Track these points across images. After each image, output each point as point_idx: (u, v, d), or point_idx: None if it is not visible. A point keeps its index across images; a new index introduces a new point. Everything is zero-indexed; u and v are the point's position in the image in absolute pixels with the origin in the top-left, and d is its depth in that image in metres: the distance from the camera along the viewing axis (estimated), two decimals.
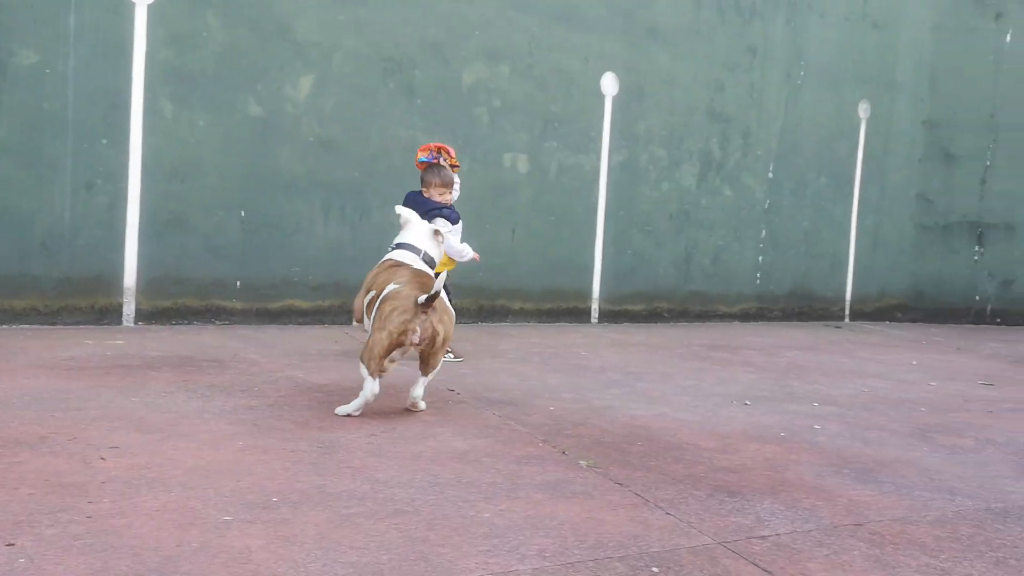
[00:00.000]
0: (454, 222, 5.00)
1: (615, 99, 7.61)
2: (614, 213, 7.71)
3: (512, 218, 7.21)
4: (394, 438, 3.48)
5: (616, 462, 3.34)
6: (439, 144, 5.25)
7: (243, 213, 6.22)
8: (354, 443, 3.37)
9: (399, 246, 4.25)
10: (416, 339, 3.71)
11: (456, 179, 5.22)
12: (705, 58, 8.05)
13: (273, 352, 5.22)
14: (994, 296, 9.49)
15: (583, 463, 3.30)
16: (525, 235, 7.30)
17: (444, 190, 5.05)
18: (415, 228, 4.31)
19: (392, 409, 3.97)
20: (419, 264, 4.12)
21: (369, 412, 3.87)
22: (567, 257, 7.53)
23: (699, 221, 8.21)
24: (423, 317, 3.70)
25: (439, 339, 3.79)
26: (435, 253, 4.28)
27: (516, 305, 7.33)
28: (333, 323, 6.55)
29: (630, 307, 7.90)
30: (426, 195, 5.07)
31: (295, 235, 6.41)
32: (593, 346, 6.33)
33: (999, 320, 9.48)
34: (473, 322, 7.11)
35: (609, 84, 7.57)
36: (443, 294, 3.87)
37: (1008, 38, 9.26)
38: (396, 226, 6.70)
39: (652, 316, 8.02)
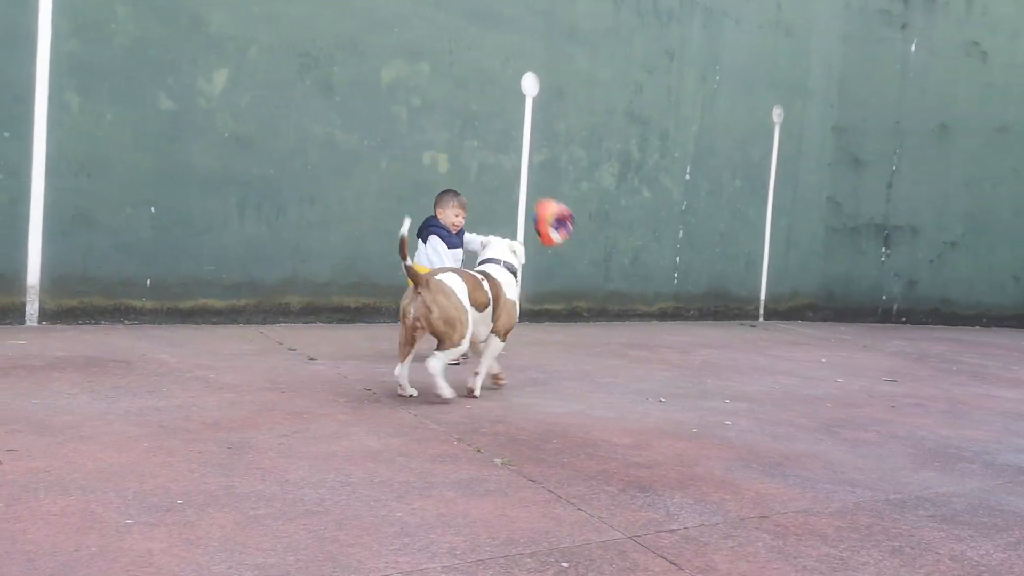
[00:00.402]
0: (444, 239, 5.35)
1: (535, 99, 7.66)
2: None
3: None
4: (307, 438, 3.43)
5: (531, 459, 3.36)
6: (568, 212, 5.01)
7: (153, 209, 6.06)
8: (265, 443, 3.31)
9: (484, 262, 4.70)
10: (410, 319, 4.12)
11: (519, 248, 5.00)
12: (624, 60, 8.16)
13: (183, 352, 5.10)
14: (900, 296, 9.85)
15: (498, 461, 3.31)
16: None
17: (460, 211, 5.44)
18: (495, 244, 4.80)
19: (306, 409, 3.91)
20: (496, 270, 4.58)
21: (282, 412, 3.81)
22: None
23: (618, 221, 8.32)
24: (417, 297, 4.11)
25: (434, 316, 4.08)
26: (514, 261, 4.76)
27: None
28: (248, 322, 6.44)
29: (550, 306, 7.96)
30: (440, 215, 5.42)
31: (208, 232, 6.28)
32: (512, 345, 6.34)
33: (904, 319, 9.85)
34: (393, 321, 7.07)
35: (529, 84, 7.61)
36: (446, 281, 4.15)
37: (913, 48, 9.62)
38: (314, 224, 6.65)
39: (572, 315, 8.10)
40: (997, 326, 10.10)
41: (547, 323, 7.82)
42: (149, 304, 6.09)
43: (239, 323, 6.40)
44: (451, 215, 5.43)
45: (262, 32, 6.35)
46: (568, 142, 7.91)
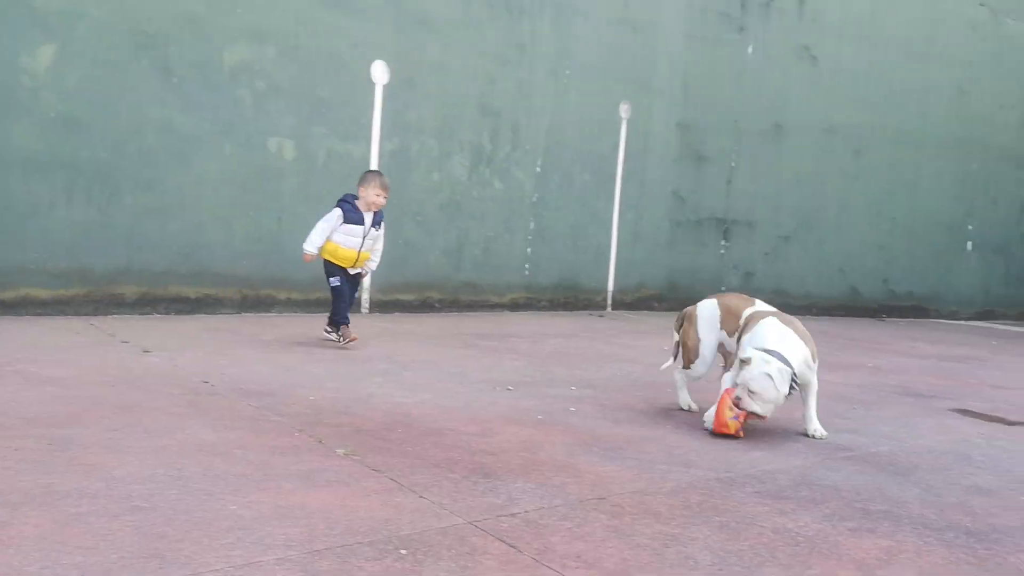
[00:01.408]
0: (345, 212, 5.64)
1: (386, 87, 7.58)
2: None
3: (278, 205, 7.01)
4: (137, 433, 3.28)
5: (374, 449, 3.33)
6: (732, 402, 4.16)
7: None
8: (90, 439, 3.14)
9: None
10: None
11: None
12: (476, 52, 8.18)
13: (2, 345, 4.78)
14: (738, 287, 10.32)
15: (340, 451, 3.26)
16: (292, 223, 7.10)
17: (381, 191, 5.66)
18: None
19: (137, 403, 3.74)
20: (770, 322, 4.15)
21: (111, 406, 3.63)
22: None
23: (470, 212, 8.34)
24: None
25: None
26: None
27: (283, 295, 7.13)
28: (77, 314, 6.09)
29: (401, 297, 7.90)
30: (361, 192, 5.64)
31: (33, 218, 5.90)
32: (361, 336, 6.27)
33: None
34: (236, 312, 6.85)
35: (379, 72, 7.52)
36: (696, 309, 4.47)
37: (750, 50, 10.09)
38: (151, 211, 6.35)
39: (423, 306, 8.07)
40: (826, 315, 10.75)
41: (398, 313, 7.77)
42: None
43: (67, 315, 6.05)
44: (372, 194, 5.62)
45: (92, 7, 6.01)
46: (419, 132, 7.88)
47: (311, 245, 5.60)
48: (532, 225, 8.84)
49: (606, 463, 3.39)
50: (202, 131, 6.57)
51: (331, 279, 5.74)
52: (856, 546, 2.67)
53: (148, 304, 6.45)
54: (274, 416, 3.72)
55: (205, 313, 6.71)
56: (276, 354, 5.26)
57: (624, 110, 9.48)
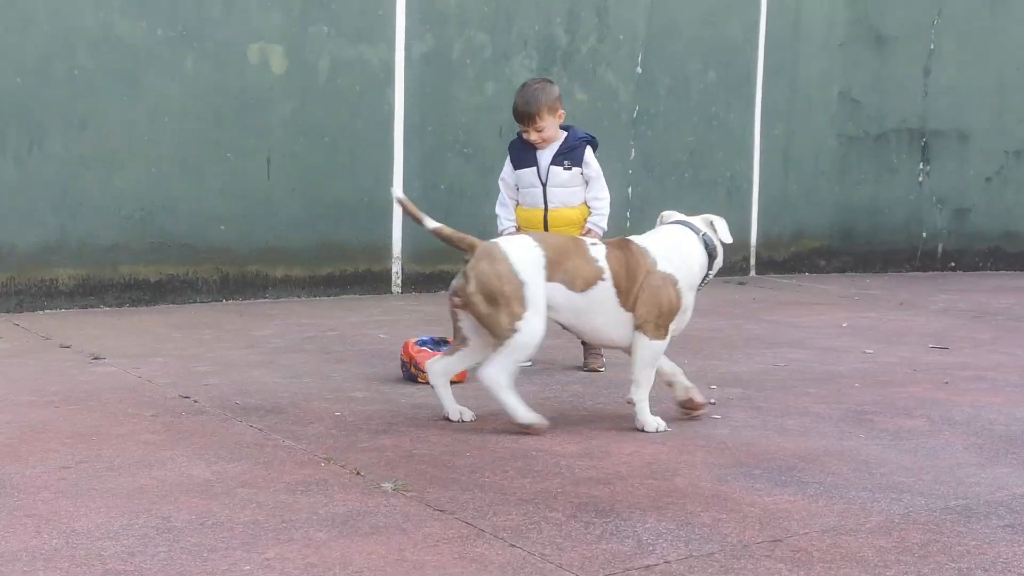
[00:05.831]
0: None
1: None
2: (418, 129, 7.71)
3: (266, 143, 7.09)
4: (99, 469, 3.38)
5: (436, 481, 3.37)
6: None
7: None
8: (36, 480, 3.25)
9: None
10: None
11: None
12: None
13: None
14: (945, 231, 10.13)
15: (388, 486, 3.31)
16: (285, 167, 7.20)
17: (521, 120, 5.20)
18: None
19: (94, 428, 3.84)
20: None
21: (58, 434, 3.74)
22: (350, 197, 7.46)
23: None
24: None
25: None
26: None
27: (278, 272, 7.23)
28: None
29: (444, 267, 7.93)
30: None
31: None
32: (396, 324, 6.34)
33: (953, 264, 10.14)
34: (215, 299, 6.97)
35: None
36: None
37: None
38: (88, 159, 6.49)
39: None
40: None
41: (442, 290, 7.82)
42: None
43: None
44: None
45: None
46: (463, 24, 7.87)
47: (506, 222, 5.27)
48: (633, 152, 8.80)
49: (775, 490, 3.39)
50: (154, 41, 6.67)
51: None
52: None
53: (92, 293, 6.60)
54: (287, 440, 3.79)
55: (172, 302, 6.84)
56: (277, 355, 5.35)
57: None
